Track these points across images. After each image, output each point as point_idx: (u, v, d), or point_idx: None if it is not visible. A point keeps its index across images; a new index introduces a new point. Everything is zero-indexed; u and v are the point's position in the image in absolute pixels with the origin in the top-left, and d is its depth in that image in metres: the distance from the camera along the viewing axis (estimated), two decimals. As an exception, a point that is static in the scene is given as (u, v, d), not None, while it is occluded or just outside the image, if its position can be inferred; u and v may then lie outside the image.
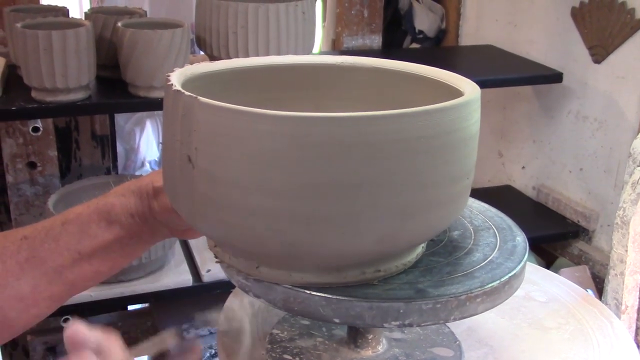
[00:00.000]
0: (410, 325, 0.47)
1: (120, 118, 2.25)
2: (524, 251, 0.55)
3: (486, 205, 0.64)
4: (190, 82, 0.53)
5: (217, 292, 1.30)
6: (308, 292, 0.48)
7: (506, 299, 0.52)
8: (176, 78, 0.50)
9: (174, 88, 0.47)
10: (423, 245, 0.55)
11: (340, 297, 0.47)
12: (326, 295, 0.48)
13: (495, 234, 0.58)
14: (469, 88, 0.51)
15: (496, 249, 0.55)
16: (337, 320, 0.48)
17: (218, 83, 0.57)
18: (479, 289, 0.49)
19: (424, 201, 0.45)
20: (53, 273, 0.62)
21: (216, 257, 0.54)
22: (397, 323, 0.47)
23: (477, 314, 0.49)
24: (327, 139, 0.42)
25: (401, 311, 0.47)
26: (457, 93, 0.51)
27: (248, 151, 0.43)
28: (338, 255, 0.46)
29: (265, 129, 0.42)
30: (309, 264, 0.48)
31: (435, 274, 0.51)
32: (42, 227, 0.63)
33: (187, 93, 0.46)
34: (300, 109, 0.46)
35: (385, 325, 0.47)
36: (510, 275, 0.51)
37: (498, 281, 0.50)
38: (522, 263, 0.53)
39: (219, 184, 0.45)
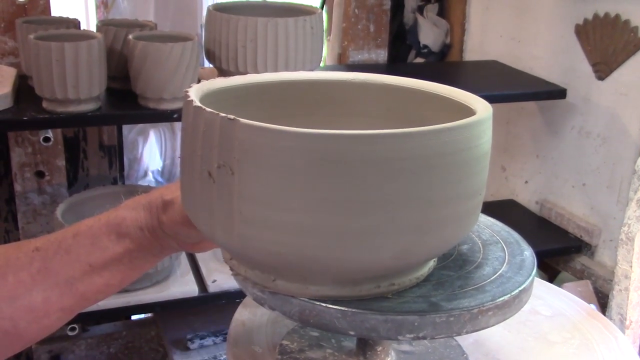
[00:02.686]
0: (424, 337, 0.49)
1: (124, 128, 2.26)
2: (532, 265, 0.56)
3: (492, 220, 0.65)
4: (207, 97, 0.54)
5: (223, 302, 1.31)
6: (324, 304, 0.49)
7: (516, 312, 0.53)
8: (194, 93, 0.52)
9: (207, 109, 0.47)
10: (435, 259, 0.56)
11: (355, 310, 0.48)
12: (342, 308, 0.49)
13: (503, 248, 0.59)
14: (481, 106, 0.52)
15: (505, 263, 0.56)
16: (352, 333, 0.49)
17: (232, 98, 0.59)
18: (491, 302, 0.50)
19: (438, 217, 0.47)
20: (64, 285, 0.62)
21: (232, 269, 0.55)
22: (412, 336, 0.48)
23: (488, 327, 0.51)
24: (347, 156, 0.43)
25: (415, 324, 0.48)
26: (468, 111, 0.52)
27: (270, 166, 0.44)
28: (355, 269, 0.47)
29: (285, 145, 0.43)
30: (326, 278, 0.49)
31: (447, 288, 0.52)
32: (54, 238, 0.64)
33: (221, 114, 0.46)
34: (313, 125, 0.47)
35: (400, 337, 0.48)
36: (520, 289, 0.52)
37: (509, 295, 0.51)
38: (531, 277, 0.54)
39: (241, 199, 0.46)
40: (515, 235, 0.62)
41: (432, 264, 0.55)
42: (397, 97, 0.61)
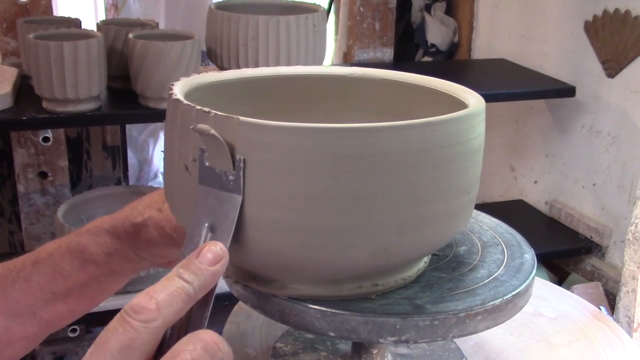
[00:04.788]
0: (407, 341, 0.46)
1: (134, 129, 2.26)
2: (531, 269, 0.53)
3: (497, 221, 0.63)
4: (197, 91, 0.53)
5: (225, 304, 1.29)
6: (304, 304, 0.47)
7: (510, 318, 0.50)
8: (180, 86, 0.50)
9: (184, 102, 0.45)
10: (425, 260, 0.54)
11: (335, 311, 0.46)
12: (321, 308, 0.47)
13: (503, 250, 0.57)
14: (473, 101, 0.50)
15: (502, 266, 0.53)
16: (332, 334, 0.47)
17: (227, 92, 0.57)
18: (480, 306, 0.47)
19: (420, 216, 0.44)
20: (27, 314, 0.60)
21: None
22: (394, 339, 0.46)
23: (477, 332, 0.48)
24: (319, 150, 0.41)
25: (397, 327, 0.46)
26: (464, 106, 0.51)
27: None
28: (331, 268, 0.45)
29: (259, 139, 0.42)
30: (303, 276, 0.47)
31: (435, 290, 0.50)
32: (12, 266, 0.61)
33: (197, 106, 0.44)
34: (308, 120, 0.45)
35: (381, 340, 0.46)
36: (514, 293, 0.49)
37: (501, 299, 0.49)
38: (528, 281, 0.51)
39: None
40: (519, 237, 0.59)
41: (422, 265, 0.53)
42: (395, 92, 0.59)
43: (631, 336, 0.87)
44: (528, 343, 0.66)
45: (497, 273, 0.52)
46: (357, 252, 0.44)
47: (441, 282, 0.51)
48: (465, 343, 0.65)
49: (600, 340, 0.66)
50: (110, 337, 0.39)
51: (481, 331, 0.48)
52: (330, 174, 0.42)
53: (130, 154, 2.18)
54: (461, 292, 0.49)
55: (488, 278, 0.51)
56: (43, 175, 1.44)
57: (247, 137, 0.42)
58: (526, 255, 0.56)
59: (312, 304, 0.47)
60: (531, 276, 0.52)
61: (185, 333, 0.41)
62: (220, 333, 0.70)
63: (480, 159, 0.49)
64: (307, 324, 0.47)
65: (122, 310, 0.40)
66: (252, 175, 0.42)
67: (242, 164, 0.42)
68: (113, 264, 0.62)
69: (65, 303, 0.61)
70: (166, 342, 0.41)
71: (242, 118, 0.42)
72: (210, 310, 0.42)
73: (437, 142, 0.43)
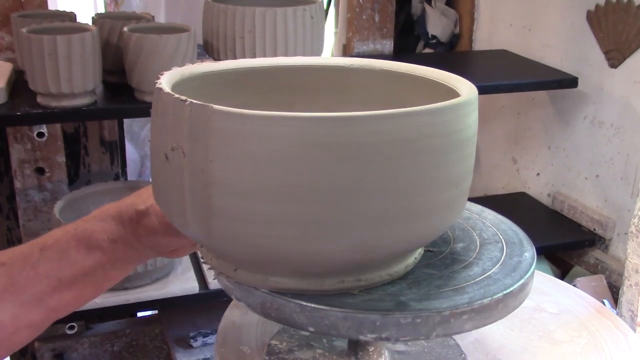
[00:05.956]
0: (388, 339, 0.45)
1: (135, 125, 2.24)
2: (529, 268, 0.51)
3: (501, 217, 0.61)
4: (189, 82, 0.52)
5: (224, 299, 1.28)
6: (284, 298, 0.46)
7: (501, 318, 0.48)
8: (168, 77, 0.49)
9: (164, 91, 0.45)
10: (416, 256, 0.52)
11: (314, 305, 0.45)
12: (301, 302, 0.46)
13: (502, 248, 0.55)
14: (465, 90, 0.48)
15: (498, 264, 0.51)
16: (311, 329, 0.46)
17: (222, 83, 0.56)
18: (466, 305, 0.46)
19: (402, 209, 0.43)
20: (33, 301, 0.60)
21: (201, 257, 0.53)
22: (374, 336, 0.45)
23: (464, 332, 0.47)
24: (294, 140, 0.40)
25: (377, 324, 0.45)
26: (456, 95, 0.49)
27: (219, 150, 0.42)
28: (309, 261, 0.44)
29: (234, 128, 0.41)
30: (283, 269, 0.46)
31: (423, 287, 0.48)
32: (19, 253, 0.62)
33: (175, 95, 0.44)
34: (302, 110, 0.44)
35: (362, 337, 0.45)
36: (505, 292, 0.48)
37: (490, 298, 0.47)
38: (523, 280, 0.49)
39: (192, 182, 0.44)
40: (521, 235, 0.57)
41: (411, 260, 0.51)
42: (395, 83, 0.58)
43: (634, 330, 0.85)
44: (529, 339, 0.65)
45: (491, 271, 0.50)
46: (334, 245, 0.43)
47: (430, 279, 0.49)
48: (464, 339, 0.64)
49: (604, 335, 0.65)
50: None
51: (468, 331, 0.47)
52: (304, 164, 0.41)
53: (132, 149, 2.17)
54: (449, 289, 0.47)
55: (481, 276, 0.50)
56: (40, 171, 1.42)
57: (221, 126, 0.41)
58: (526, 254, 0.54)
59: (293, 298, 0.46)
60: (527, 275, 0.50)
61: None
62: (216, 330, 0.69)
63: (471, 151, 0.47)
64: (287, 317, 0.46)
65: None
66: (228, 165, 0.41)
67: None
68: (118, 251, 0.62)
69: (71, 290, 0.61)
70: None
71: (215, 107, 0.41)
72: None
73: (422, 133, 0.42)
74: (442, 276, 0.50)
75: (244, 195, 0.42)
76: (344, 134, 0.40)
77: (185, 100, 0.42)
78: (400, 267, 0.49)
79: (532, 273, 0.51)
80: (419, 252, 0.53)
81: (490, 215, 0.61)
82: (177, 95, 0.43)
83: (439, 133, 0.43)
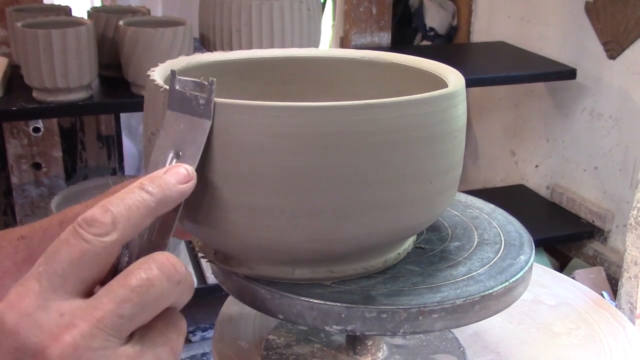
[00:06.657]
0: (354, 332, 0.45)
1: (133, 119, 2.24)
2: (518, 271, 0.50)
3: (511, 219, 0.60)
4: (185, 73, 0.51)
5: (223, 294, 1.28)
6: (257, 284, 0.47)
7: (480, 320, 0.48)
8: (162, 68, 0.49)
9: (151, 79, 0.45)
10: (399, 251, 0.51)
11: (283, 293, 0.46)
12: (271, 289, 0.46)
13: (499, 249, 0.54)
14: (453, 81, 0.48)
15: (487, 266, 0.50)
16: (281, 317, 0.46)
17: (220, 75, 0.55)
18: (437, 304, 0.45)
19: (363, 202, 0.43)
20: None
21: (192, 241, 0.54)
22: (339, 328, 0.45)
23: (435, 331, 0.46)
24: (262, 128, 0.40)
25: (342, 316, 0.45)
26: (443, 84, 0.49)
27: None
28: (277, 250, 0.45)
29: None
30: (253, 256, 0.47)
31: (398, 283, 0.47)
32: (39, 226, 0.61)
33: (159, 83, 0.45)
34: (293, 100, 0.43)
35: (327, 328, 0.45)
36: (483, 294, 0.47)
37: (464, 299, 0.46)
38: (507, 284, 0.48)
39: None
40: (526, 238, 0.56)
41: (393, 255, 0.50)
42: (398, 76, 0.57)
43: (633, 323, 0.85)
44: (528, 331, 0.64)
45: (476, 272, 0.49)
46: (294, 234, 0.43)
47: (409, 276, 0.48)
48: (463, 333, 0.64)
49: (602, 327, 0.65)
50: (62, 248, 0.37)
51: (439, 330, 0.46)
52: (277, 152, 0.41)
53: (130, 144, 2.17)
54: (424, 287, 0.47)
55: (463, 276, 0.49)
56: (37, 166, 1.42)
57: None
58: (521, 257, 0.52)
59: (266, 285, 0.46)
60: (513, 279, 0.49)
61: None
62: (214, 324, 0.68)
63: (457, 144, 0.46)
64: (259, 304, 0.47)
65: (75, 222, 0.37)
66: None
67: (213, 87, 0.41)
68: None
69: None
70: (122, 266, 0.39)
71: None
72: (171, 236, 0.41)
73: (409, 123, 0.42)
74: (423, 273, 0.49)
75: (212, 183, 0.42)
76: (308, 123, 0.40)
77: (161, 87, 0.43)
78: (377, 262, 0.49)
79: (521, 277, 0.50)
80: (405, 247, 0.52)
81: (500, 216, 0.60)
82: (157, 82, 0.44)
83: (427, 123, 0.43)
